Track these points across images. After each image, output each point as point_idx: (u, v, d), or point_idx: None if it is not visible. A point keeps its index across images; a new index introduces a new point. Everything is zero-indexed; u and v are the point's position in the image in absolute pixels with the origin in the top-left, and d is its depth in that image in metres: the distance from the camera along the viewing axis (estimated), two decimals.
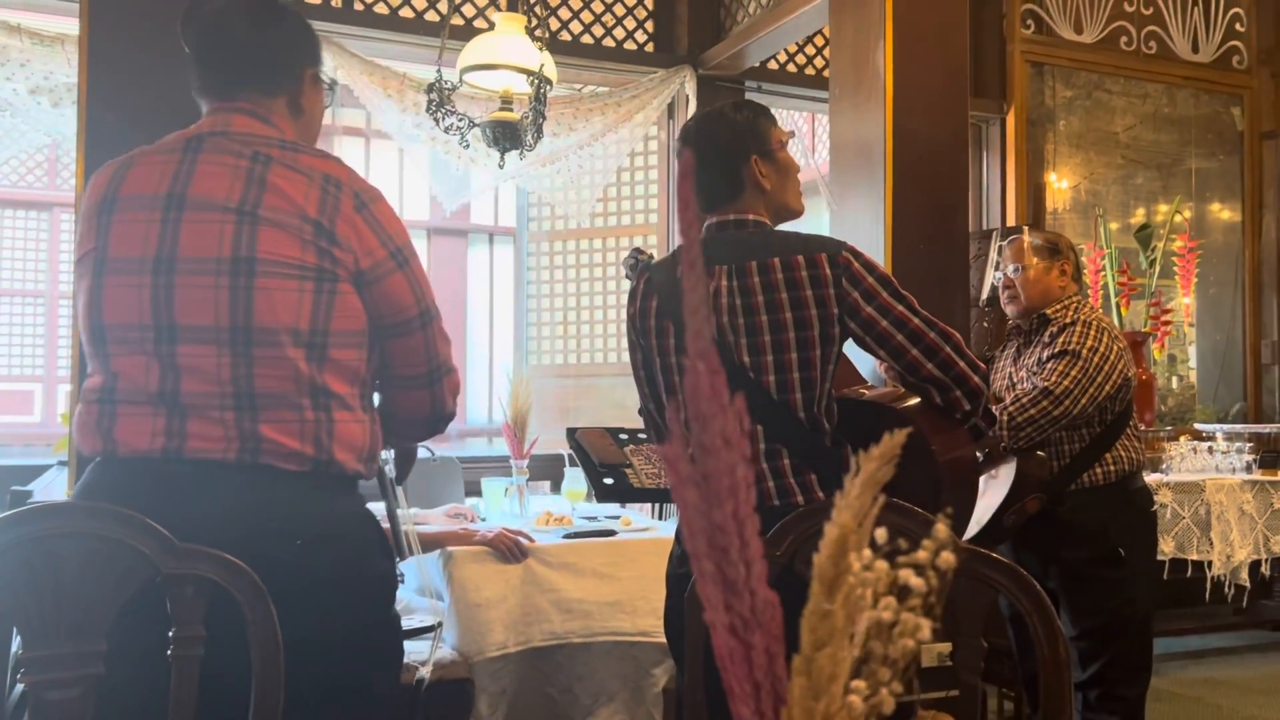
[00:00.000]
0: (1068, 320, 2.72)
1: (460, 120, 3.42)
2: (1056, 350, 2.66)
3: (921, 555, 0.43)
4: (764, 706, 0.45)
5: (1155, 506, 2.95)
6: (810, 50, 4.86)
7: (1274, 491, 4.19)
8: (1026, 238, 2.87)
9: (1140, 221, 5.19)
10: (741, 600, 0.45)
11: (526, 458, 3.36)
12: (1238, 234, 5.58)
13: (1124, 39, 5.27)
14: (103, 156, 2.24)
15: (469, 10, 4.30)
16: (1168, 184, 5.44)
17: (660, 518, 3.37)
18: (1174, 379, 5.28)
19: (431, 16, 4.18)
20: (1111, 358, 2.64)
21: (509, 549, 2.73)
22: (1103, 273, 4.86)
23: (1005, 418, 2.59)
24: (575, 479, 3.33)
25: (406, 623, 2.66)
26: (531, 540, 2.80)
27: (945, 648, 1.44)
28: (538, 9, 3.70)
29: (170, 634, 1.16)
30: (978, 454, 2.62)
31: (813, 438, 1.85)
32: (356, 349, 1.47)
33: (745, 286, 1.84)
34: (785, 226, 2.01)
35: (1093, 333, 2.66)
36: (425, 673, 2.59)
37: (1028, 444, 2.61)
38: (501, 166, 3.62)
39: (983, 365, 1.90)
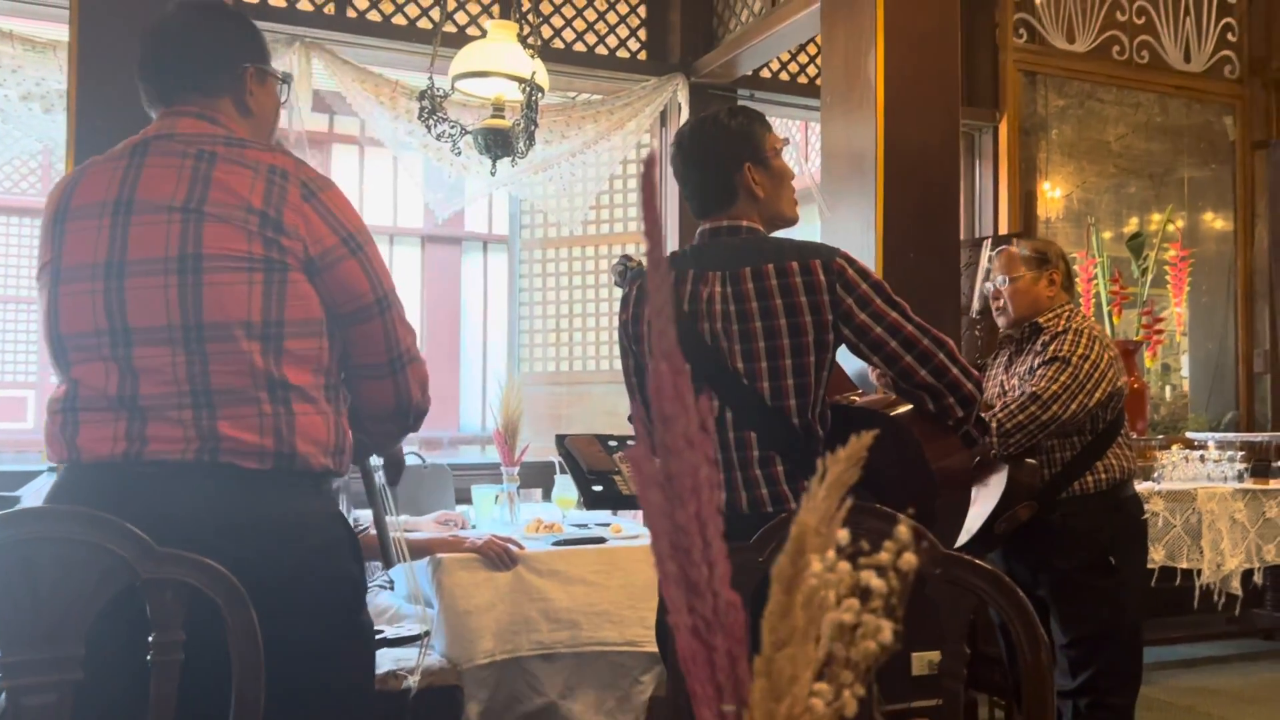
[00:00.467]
0: (1059, 329, 2.72)
1: (452, 128, 3.42)
2: (1047, 357, 2.67)
3: (884, 556, 0.43)
4: (726, 709, 0.44)
5: (1146, 515, 2.95)
6: (803, 59, 4.87)
7: (1266, 500, 4.19)
8: (1014, 249, 2.88)
9: (1132, 230, 5.20)
10: (704, 602, 0.45)
11: (517, 465, 3.35)
12: (1230, 243, 5.59)
13: (1116, 48, 5.29)
14: None
15: (461, 18, 4.30)
16: (1160, 193, 5.45)
17: None
18: (1166, 388, 5.29)
19: (424, 24, 4.19)
20: (1102, 365, 2.64)
21: (498, 556, 2.73)
22: (1095, 281, 4.86)
23: (994, 424, 2.59)
24: (566, 486, 3.33)
25: (395, 630, 2.66)
26: (521, 547, 2.80)
27: (935, 656, 1.44)
28: (530, 17, 3.71)
29: (150, 638, 1.16)
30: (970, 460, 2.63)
31: (806, 444, 1.84)
32: (315, 338, 1.46)
33: (739, 293, 1.84)
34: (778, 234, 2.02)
35: (1084, 340, 2.66)
36: (413, 681, 2.58)
37: (1018, 450, 2.61)
38: (493, 174, 3.61)
39: (975, 373, 1.90)
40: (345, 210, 1.50)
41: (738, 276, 1.85)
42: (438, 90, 3.38)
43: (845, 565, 0.44)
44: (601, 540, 2.95)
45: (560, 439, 2.89)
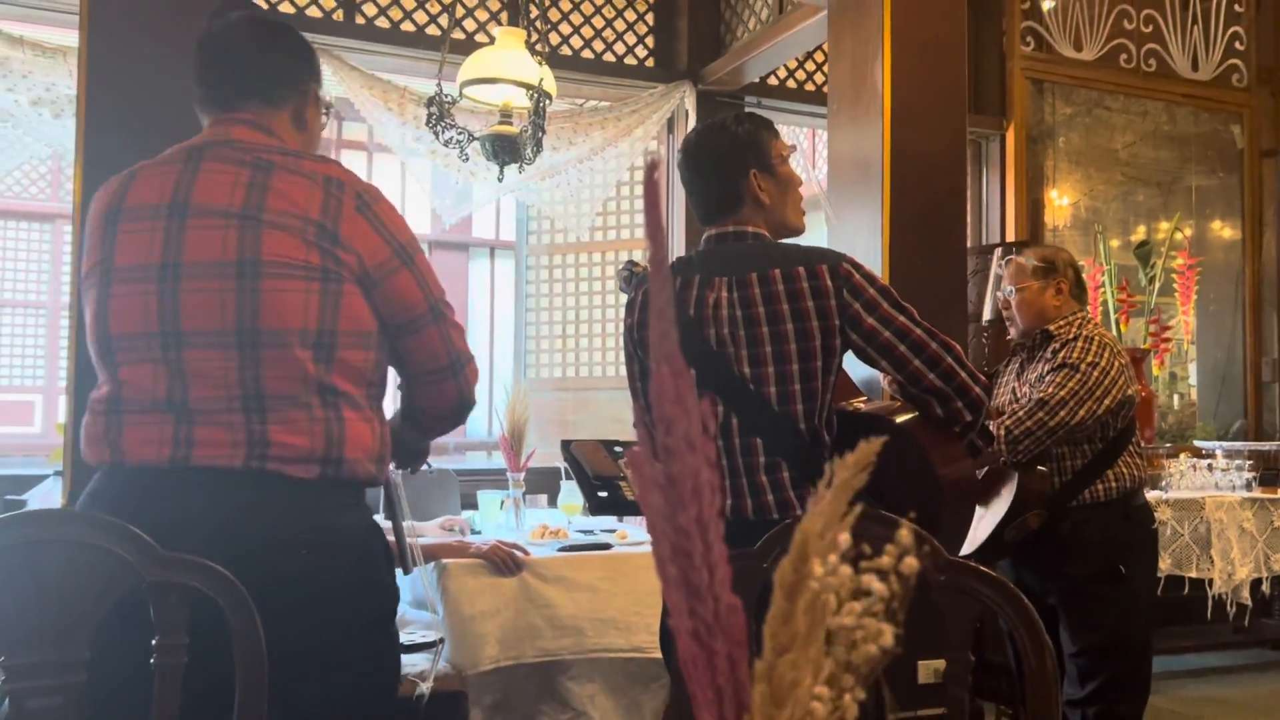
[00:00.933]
0: (1070, 336, 2.71)
1: (460, 134, 3.43)
2: (1057, 364, 2.66)
3: (885, 560, 0.43)
4: (727, 713, 0.44)
5: (1156, 524, 2.94)
6: (810, 66, 4.87)
7: (1274, 509, 4.17)
8: (1021, 259, 2.87)
9: (1140, 238, 5.19)
10: (705, 605, 0.45)
11: (523, 470, 3.35)
12: (1238, 251, 5.58)
13: (1124, 56, 5.29)
14: (102, 168, 2.25)
15: (470, 25, 4.32)
16: (1167, 201, 5.44)
17: None
18: (1174, 396, 5.27)
19: (433, 31, 4.20)
20: (1112, 373, 2.63)
21: (504, 561, 2.72)
22: (1102, 289, 4.85)
23: (1003, 432, 2.58)
24: (571, 492, 3.33)
25: (406, 636, 2.66)
26: (526, 553, 2.80)
27: (940, 664, 1.43)
28: (538, 24, 3.72)
29: (153, 642, 1.16)
30: (977, 469, 2.62)
31: (813, 450, 1.84)
32: (364, 350, 1.47)
33: (746, 298, 1.84)
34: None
35: (1094, 348, 2.65)
36: (425, 688, 2.57)
37: (1026, 457, 2.60)
38: (501, 180, 3.62)
39: (983, 378, 1.89)
40: (396, 221, 1.52)
41: (744, 282, 1.85)
42: (446, 96, 3.39)
43: (847, 570, 0.44)
44: (607, 546, 2.95)
45: (566, 444, 2.89)
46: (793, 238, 2.03)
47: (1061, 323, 2.76)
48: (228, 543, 1.30)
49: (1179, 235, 5.27)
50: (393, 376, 1.62)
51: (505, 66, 3.33)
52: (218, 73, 1.56)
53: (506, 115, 3.41)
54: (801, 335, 1.81)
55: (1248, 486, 4.27)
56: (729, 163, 1.93)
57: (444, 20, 4.14)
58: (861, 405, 2.04)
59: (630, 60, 4.65)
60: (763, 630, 0.46)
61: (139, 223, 1.45)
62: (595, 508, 2.81)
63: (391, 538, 1.92)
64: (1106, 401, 2.62)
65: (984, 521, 2.68)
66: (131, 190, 1.47)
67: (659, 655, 2.63)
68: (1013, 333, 2.90)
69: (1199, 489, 4.25)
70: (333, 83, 4.03)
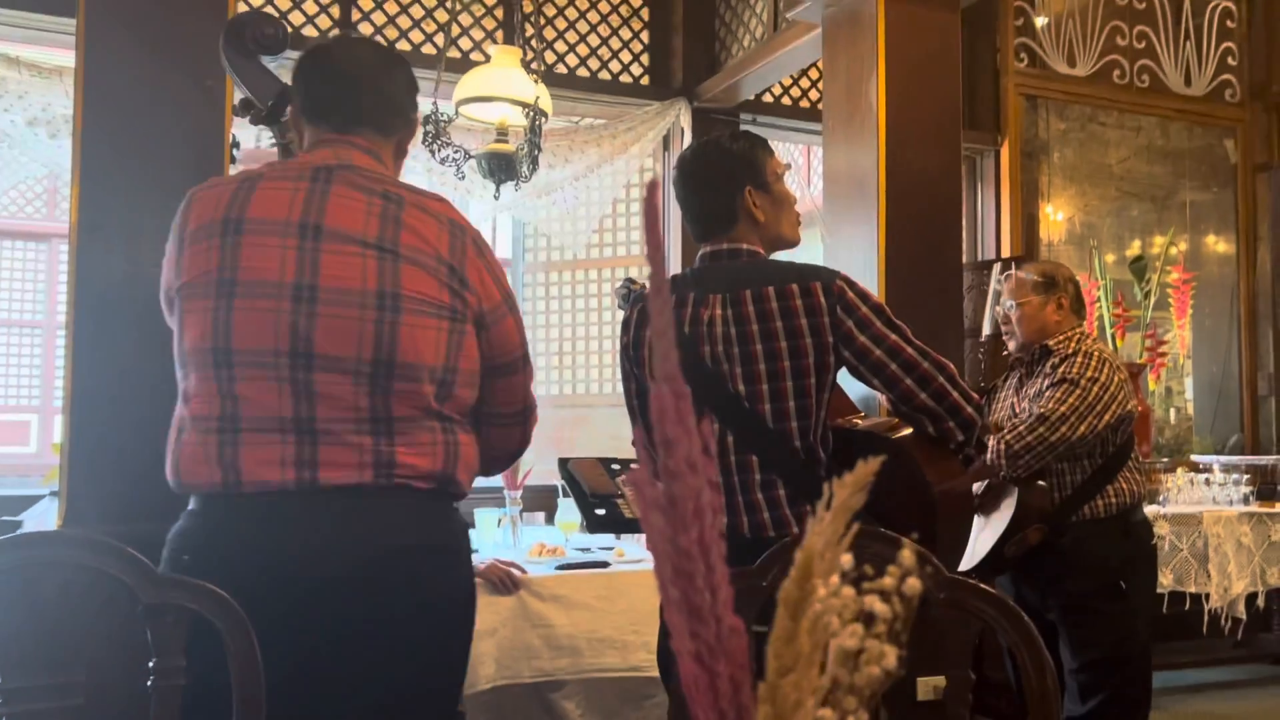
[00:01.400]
0: (1069, 351, 2.72)
1: (456, 152, 3.44)
2: (1056, 379, 2.66)
3: (888, 581, 0.43)
4: None
5: (1155, 539, 2.94)
6: (805, 83, 4.89)
7: (1271, 523, 4.17)
8: (1021, 274, 2.88)
9: (1135, 253, 5.21)
10: (707, 627, 0.45)
11: (520, 488, 3.34)
12: (1232, 266, 5.59)
13: (1117, 72, 5.32)
14: (98, 188, 2.25)
15: (465, 44, 4.33)
16: (1162, 216, 5.46)
17: None
18: (1171, 411, 5.28)
19: (428, 49, 4.21)
20: (1112, 388, 2.64)
21: (501, 580, 2.71)
22: (1098, 304, 4.86)
23: (1003, 446, 2.58)
24: (569, 510, 3.32)
25: None
26: (524, 571, 2.79)
27: (940, 681, 1.43)
28: (534, 42, 3.73)
29: (150, 664, 1.15)
30: (975, 486, 2.62)
31: (808, 468, 1.84)
32: (471, 388, 1.53)
33: (740, 315, 1.84)
34: (780, 256, 2.02)
35: (1094, 363, 2.66)
36: None
37: (1026, 472, 2.60)
38: (497, 198, 3.63)
39: (976, 396, 1.90)
40: (500, 269, 1.59)
41: (738, 299, 1.85)
42: (442, 115, 3.40)
43: (850, 590, 0.43)
44: (605, 564, 2.94)
45: (563, 462, 2.88)
46: (789, 251, 2.04)
47: (1060, 338, 2.77)
48: (359, 554, 1.37)
49: (1174, 250, 5.29)
50: None
51: (501, 85, 3.34)
52: (338, 93, 1.56)
53: (503, 133, 3.42)
54: (795, 353, 1.82)
55: (1245, 500, 4.28)
56: (724, 180, 1.94)
57: (439, 39, 4.16)
58: (858, 422, 2.04)
59: (626, 78, 4.66)
60: (764, 650, 0.45)
61: (266, 237, 1.42)
62: (593, 525, 2.80)
63: None
64: (1106, 417, 2.62)
65: (984, 536, 2.67)
66: (254, 203, 1.45)
67: (656, 674, 2.62)
68: (1011, 347, 2.90)
69: (1196, 503, 4.25)
70: None
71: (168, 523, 1.46)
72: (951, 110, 3.32)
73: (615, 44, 4.65)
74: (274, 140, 1.92)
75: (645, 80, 4.70)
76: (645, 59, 4.71)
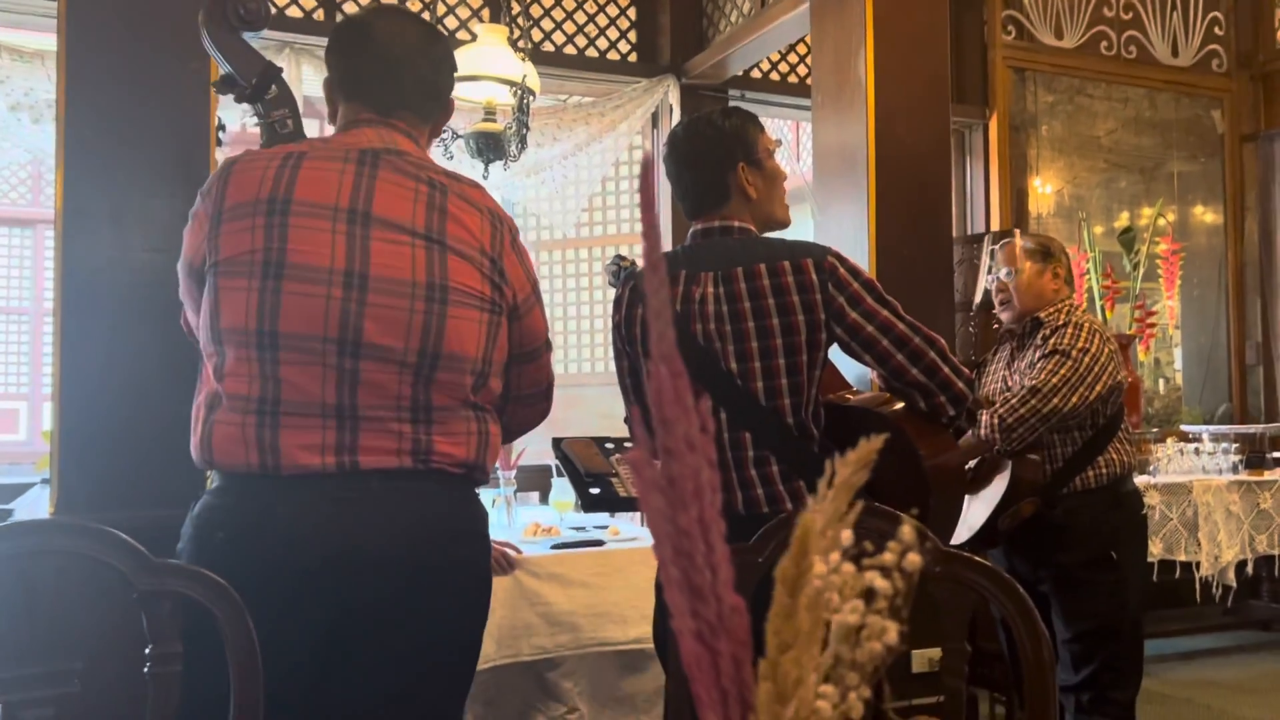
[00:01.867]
0: (1060, 323, 2.72)
1: (444, 131, 3.42)
2: (1047, 351, 2.67)
3: (888, 557, 0.43)
4: (731, 714, 0.44)
5: (1145, 510, 2.95)
6: (793, 58, 4.87)
7: (1260, 491, 4.20)
8: (1019, 241, 2.88)
9: (1123, 225, 5.22)
10: (708, 606, 0.45)
11: (514, 469, 3.34)
12: (1220, 236, 5.61)
13: (1104, 44, 5.30)
14: (83, 172, 2.23)
15: (451, 22, 4.30)
16: (1150, 187, 5.47)
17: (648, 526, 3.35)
18: (1160, 381, 5.30)
19: None
20: (1103, 359, 2.65)
21: (496, 561, 2.71)
22: (1087, 276, 4.87)
23: (995, 420, 2.59)
24: (563, 489, 3.32)
25: None
26: (519, 552, 2.79)
27: (935, 653, 1.43)
28: (520, 20, 3.70)
29: (146, 651, 1.15)
30: (968, 461, 2.63)
31: (801, 444, 1.84)
32: (500, 379, 1.54)
33: (731, 293, 1.84)
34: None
35: (1084, 334, 2.66)
36: None
37: (1020, 444, 2.61)
38: (486, 177, 3.61)
39: (967, 371, 1.90)
40: (529, 259, 1.60)
41: (730, 277, 1.85)
42: None
43: (849, 567, 0.43)
44: (600, 543, 2.94)
45: (556, 442, 2.88)
46: (779, 230, 2.04)
47: (1051, 310, 2.78)
48: (399, 534, 1.38)
49: (1162, 221, 5.29)
50: None
51: (488, 63, 3.32)
52: (380, 73, 1.54)
53: (490, 112, 3.40)
54: (787, 330, 1.82)
55: (1234, 469, 4.30)
56: (717, 157, 1.93)
57: (425, 19, 4.12)
58: (850, 398, 2.04)
59: (613, 55, 4.64)
60: (764, 626, 0.46)
61: (316, 220, 1.40)
62: (587, 504, 2.80)
63: None
64: (1098, 388, 2.63)
65: (978, 510, 2.69)
66: (300, 183, 1.42)
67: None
68: (1005, 318, 2.90)
69: (1186, 473, 4.28)
70: (314, 82, 4.00)
71: (160, 508, 1.46)
72: (940, 84, 3.31)
73: (602, 21, 4.62)
74: (257, 120, 1.89)
75: (633, 57, 4.68)
76: (633, 35, 4.68)
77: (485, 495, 3.29)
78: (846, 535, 0.44)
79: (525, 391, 1.63)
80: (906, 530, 0.42)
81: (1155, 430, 4.92)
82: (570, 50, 4.55)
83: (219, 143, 2.30)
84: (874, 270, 3.09)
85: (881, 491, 1.77)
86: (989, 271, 3.08)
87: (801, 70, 4.86)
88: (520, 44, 3.53)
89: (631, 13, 4.68)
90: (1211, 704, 3.95)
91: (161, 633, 1.14)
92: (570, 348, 4.72)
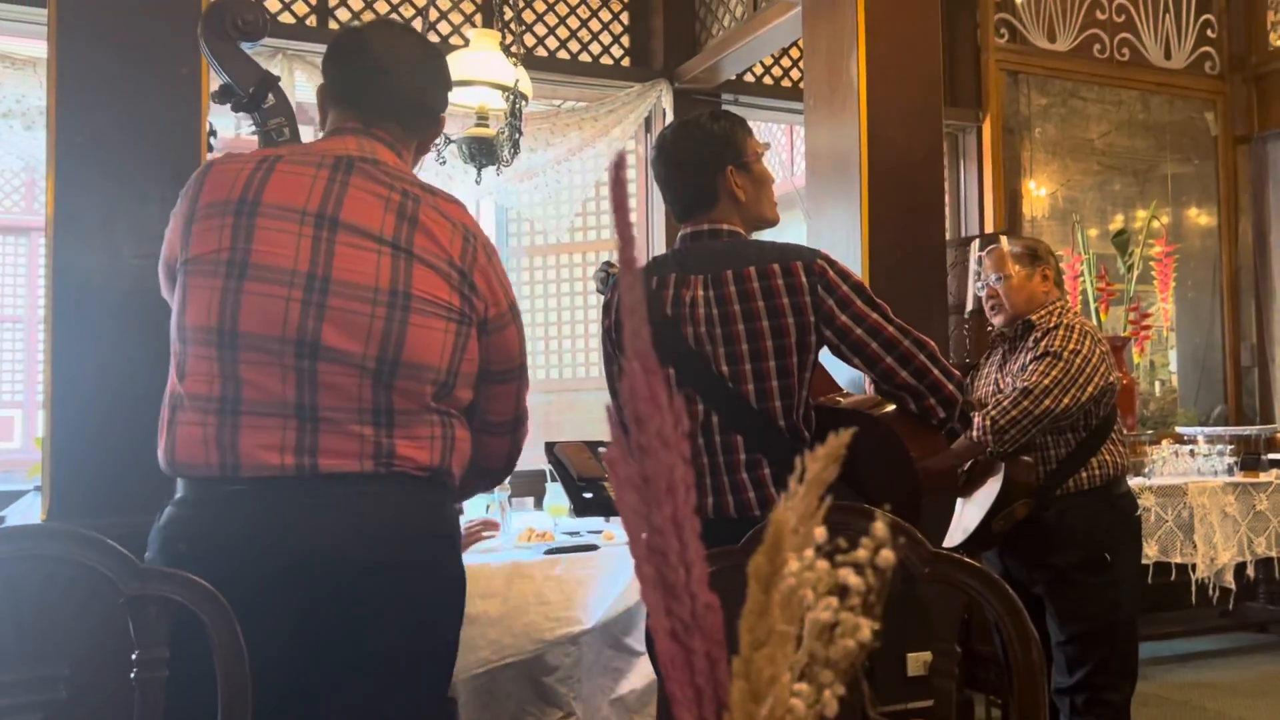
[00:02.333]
0: (1051, 324, 2.73)
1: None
2: (1039, 353, 2.68)
3: (861, 554, 0.43)
4: (706, 712, 0.44)
5: (1139, 511, 2.95)
6: (785, 62, 4.88)
7: (1256, 493, 4.20)
8: (1005, 246, 2.88)
9: (1118, 227, 5.22)
10: (682, 604, 0.44)
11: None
12: (1214, 238, 5.62)
13: (1097, 46, 5.31)
14: (74, 179, 2.23)
15: (444, 28, 4.30)
16: (1144, 189, 5.47)
17: None
18: (1155, 383, 5.30)
19: None
20: (1094, 360, 2.65)
21: (478, 535, 2.71)
22: (1081, 278, 4.88)
23: (988, 422, 2.59)
24: (557, 494, 3.32)
25: None
26: (496, 524, 2.78)
27: (929, 656, 1.43)
28: (513, 25, 3.71)
29: (133, 656, 1.15)
30: (960, 463, 2.63)
31: (793, 446, 1.84)
32: (470, 390, 1.53)
33: (721, 296, 1.84)
34: (763, 235, 2.02)
35: (1075, 335, 2.67)
36: None
37: (1013, 446, 2.61)
38: (478, 182, 3.61)
39: (958, 374, 1.90)
40: (506, 277, 1.59)
41: (720, 279, 1.85)
42: None
43: (823, 563, 0.43)
44: (594, 547, 2.94)
45: (550, 446, 2.88)
46: (767, 230, 2.04)
47: (1043, 312, 2.78)
48: (361, 540, 1.38)
49: (1156, 223, 5.30)
50: None
51: (480, 69, 3.32)
52: (368, 82, 1.55)
53: (483, 118, 3.40)
54: (777, 332, 1.82)
55: (1229, 471, 4.30)
56: (705, 160, 1.93)
57: (418, 24, 4.13)
58: (841, 400, 2.04)
59: (606, 60, 4.64)
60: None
61: (282, 223, 1.41)
62: (580, 509, 2.80)
63: None
64: (1089, 389, 2.63)
65: (972, 512, 2.69)
66: (271, 186, 1.43)
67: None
68: (996, 322, 2.91)
69: (1182, 475, 4.28)
70: (307, 89, 4.01)
71: (152, 515, 1.45)
72: (932, 87, 3.32)
73: (595, 25, 4.63)
74: (254, 128, 1.90)
75: (626, 62, 4.68)
76: (625, 40, 4.69)
77: (479, 501, 3.31)
78: (820, 531, 0.44)
79: (491, 417, 1.60)
80: (879, 526, 0.42)
81: (1150, 432, 4.92)
82: (563, 55, 4.55)
83: (210, 148, 2.30)
84: (866, 274, 3.09)
85: (873, 493, 1.77)
86: (977, 279, 3.08)
87: (795, 74, 4.87)
88: (513, 49, 3.53)
89: (624, 17, 4.69)
90: (1208, 706, 3.94)
91: (148, 638, 1.14)
92: (565, 353, 4.72)
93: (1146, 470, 4.32)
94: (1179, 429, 5.04)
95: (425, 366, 1.44)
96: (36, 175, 5.82)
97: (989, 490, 2.66)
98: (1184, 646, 4.68)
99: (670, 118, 4.52)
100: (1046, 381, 2.59)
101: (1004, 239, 2.96)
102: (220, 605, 1.13)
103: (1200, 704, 3.97)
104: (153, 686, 1.12)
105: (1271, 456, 4.72)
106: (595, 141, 4.47)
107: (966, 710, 3.32)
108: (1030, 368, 2.66)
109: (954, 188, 5.06)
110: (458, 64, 3.37)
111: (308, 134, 2.90)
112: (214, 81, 1.95)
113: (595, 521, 3.29)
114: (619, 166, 0.47)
